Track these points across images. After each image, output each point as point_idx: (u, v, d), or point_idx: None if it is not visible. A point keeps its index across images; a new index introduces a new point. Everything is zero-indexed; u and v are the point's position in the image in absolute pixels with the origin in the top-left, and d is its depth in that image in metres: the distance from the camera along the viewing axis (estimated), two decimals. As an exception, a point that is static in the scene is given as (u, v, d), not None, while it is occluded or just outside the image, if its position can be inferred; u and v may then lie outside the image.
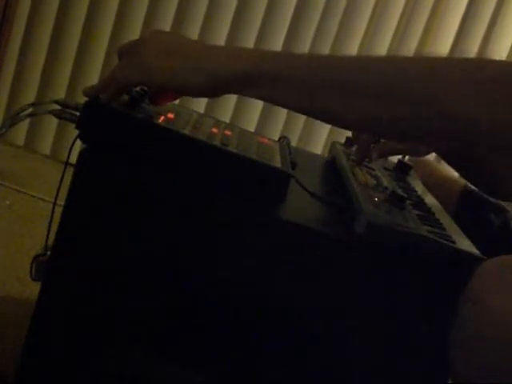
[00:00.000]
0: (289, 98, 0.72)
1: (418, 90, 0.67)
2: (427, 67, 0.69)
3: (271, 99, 0.73)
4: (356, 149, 1.06)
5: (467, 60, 0.70)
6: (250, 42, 1.98)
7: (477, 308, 0.67)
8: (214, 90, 0.73)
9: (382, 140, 1.05)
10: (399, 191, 0.83)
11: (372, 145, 1.04)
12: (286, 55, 0.75)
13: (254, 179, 0.75)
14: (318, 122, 0.74)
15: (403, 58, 0.72)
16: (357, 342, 0.77)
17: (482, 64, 0.69)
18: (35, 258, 0.86)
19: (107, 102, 0.75)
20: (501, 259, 0.70)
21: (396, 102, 0.68)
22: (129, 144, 0.75)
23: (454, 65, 0.70)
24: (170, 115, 0.80)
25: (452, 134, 0.68)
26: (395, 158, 1.09)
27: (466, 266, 0.71)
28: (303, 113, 0.75)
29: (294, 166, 0.81)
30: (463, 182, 1.13)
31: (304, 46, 1.97)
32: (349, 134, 1.16)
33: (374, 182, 0.90)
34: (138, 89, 0.80)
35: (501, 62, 0.68)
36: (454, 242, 0.75)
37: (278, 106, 0.74)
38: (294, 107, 0.74)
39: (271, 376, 0.78)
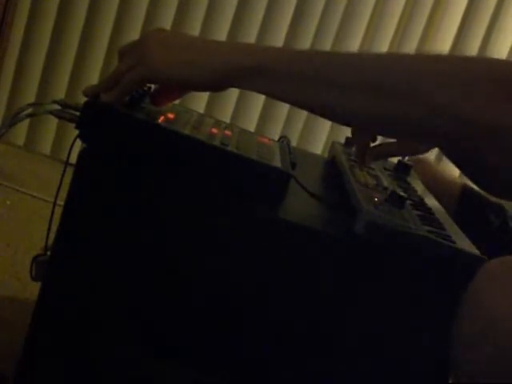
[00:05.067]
0: (288, 93, 0.73)
1: (406, 86, 0.68)
2: (417, 63, 0.70)
3: (271, 93, 0.74)
4: (355, 150, 1.06)
5: (458, 57, 0.71)
6: (250, 41, 1.97)
7: (478, 309, 0.67)
8: (216, 83, 0.74)
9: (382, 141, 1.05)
10: (399, 191, 0.83)
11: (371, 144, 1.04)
12: (287, 50, 0.76)
13: (254, 179, 0.75)
14: (318, 121, 0.75)
15: (396, 54, 0.72)
16: (357, 341, 0.77)
17: (473, 61, 0.70)
18: (35, 257, 0.86)
19: (113, 102, 0.75)
20: (502, 260, 0.70)
21: (386, 97, 0.68)
22: (129, 144, 0.75)
23: (443, 61, 0.70)
24: (170, 115, 0.80)
25: (441, 129, 0.68)
26: (395, 158, 1.09)
27: (466, 266, 0.71)
28: (301, 107, 0.76)
29: (293, 166, 0.81)
30: (463, 181, 1.13)
31: (304, 46, 1.97)
32: (349, 133, 1.16)
33: (374, 182, 0.90)
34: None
35: (491, 59, 0.68)
36: (453, 242, 0.75)
37: (278, 100, 0.75)
38: (293, 101, 0.75)
39: (272, 376, 0.79)
